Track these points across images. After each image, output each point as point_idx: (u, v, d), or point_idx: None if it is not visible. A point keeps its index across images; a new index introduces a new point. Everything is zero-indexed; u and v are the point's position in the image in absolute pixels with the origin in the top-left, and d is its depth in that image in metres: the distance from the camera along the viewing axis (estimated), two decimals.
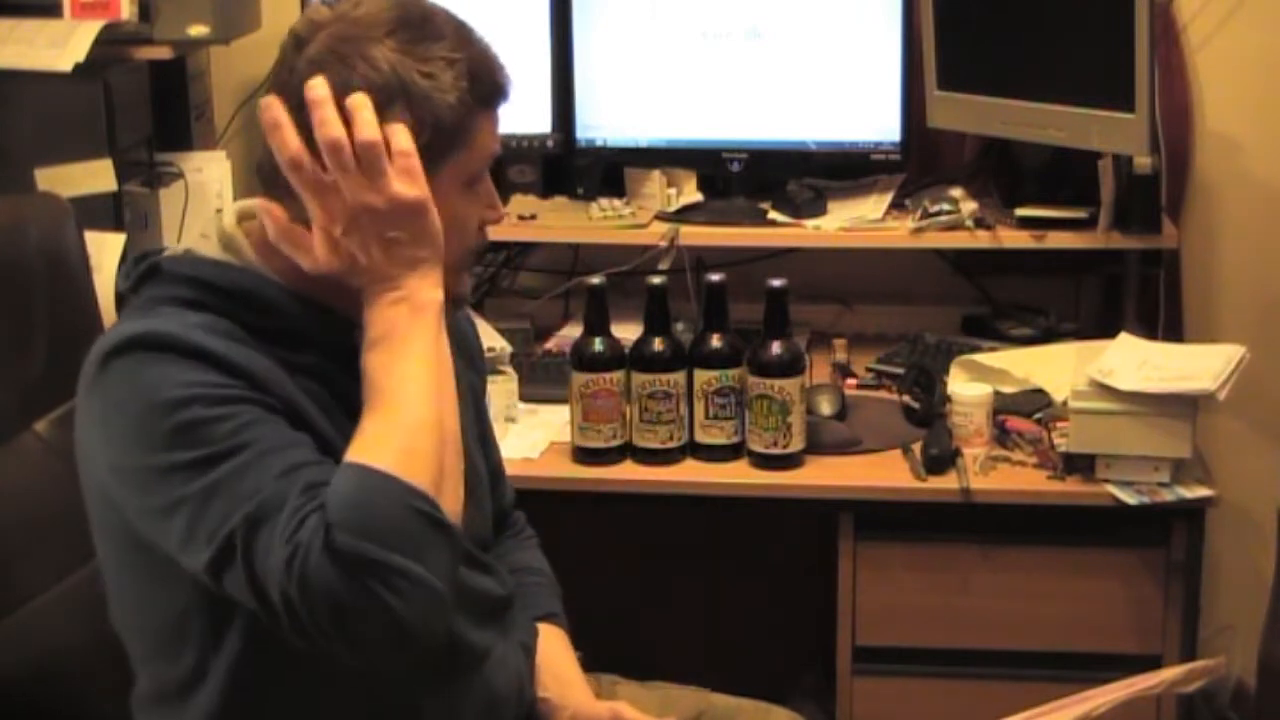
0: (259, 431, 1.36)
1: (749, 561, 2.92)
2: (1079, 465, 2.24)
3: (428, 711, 1.54)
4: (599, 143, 2.81)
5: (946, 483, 2.25)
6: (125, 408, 1.38)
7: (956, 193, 2.72)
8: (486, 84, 1.45)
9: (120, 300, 1.55)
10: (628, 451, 2.34)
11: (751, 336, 2.30)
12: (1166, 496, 2.19)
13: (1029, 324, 2.75)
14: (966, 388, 2.38)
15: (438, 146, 1.43)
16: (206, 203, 2.65)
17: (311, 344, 1.47)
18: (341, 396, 1.48)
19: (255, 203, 1.51)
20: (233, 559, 1.33)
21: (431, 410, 1.38)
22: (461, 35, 1.45)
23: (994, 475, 2.27)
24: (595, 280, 2.31)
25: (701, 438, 2.33)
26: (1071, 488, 2.23)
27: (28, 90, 2.39)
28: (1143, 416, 2.17)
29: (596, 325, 2.30)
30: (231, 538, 1.32)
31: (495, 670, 1.60)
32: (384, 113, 1.39)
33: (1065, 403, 2.26)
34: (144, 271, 1.49)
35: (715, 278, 2.30)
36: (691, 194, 2.79)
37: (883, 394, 2.58)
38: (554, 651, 1.75)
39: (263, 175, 1.47)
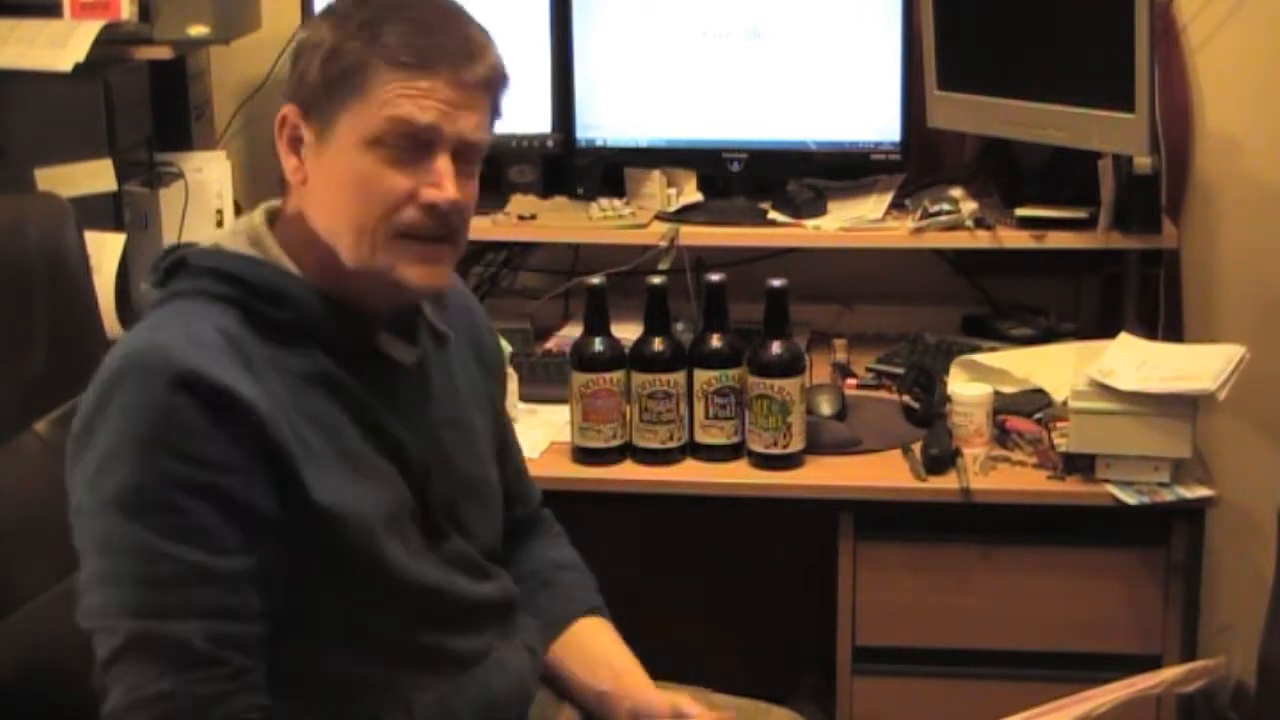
0: (196, 547, 1.36)
1: (749, 561, 2.92)
2: (1079, 465, 2.24)
3: (421, 712, 1.54)
4: (599, 143, 2.81)
5: (946, 483, 2.25)
6: (110, 436, 1.38)
7: (956, 193, 2.72)
8: (390, 39, 1.44)
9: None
10: (628, 451, 2.34)
11: (751, 336, 2.30)
12: (1166, 496, 2.19)
13: (1029, 324, 2.75)
14: (966, 388, 2.38)
15: (325, 96, 1.45)
16: (206, 203, 2.65)
17: (332, 346, 1.49)
18: (354, 407, 1.49)
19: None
20: (94, 650, 1.38)
21: None
22: (400, 3, 1.47)
23: (994, 475, 2.27)
24: (595, 280, 2.31)
25: (701, 438, 2.33)
26: (1071, 488, 2.23)
27: (28, 90, 2.39)
28: (1143, 416, 2.17)
29: (596, 325, 2.30)
30: (103, 640, 1.37)
31: (493, 672, 1.60)
32: (295, 67, 1.48)
33: (1065, 403, 2.26)
34: (171, 265, 1.51)
35: (715, 278, 2.30)
36: (691, 194, 2.78)
37: (883, 394, 2.58)
38: (605, 643, 1.75)
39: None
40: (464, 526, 1.61)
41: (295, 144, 1.50)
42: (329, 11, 1.50)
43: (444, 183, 1.46)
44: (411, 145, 1.46)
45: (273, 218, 1.54)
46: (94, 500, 1.38)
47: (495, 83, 1.50)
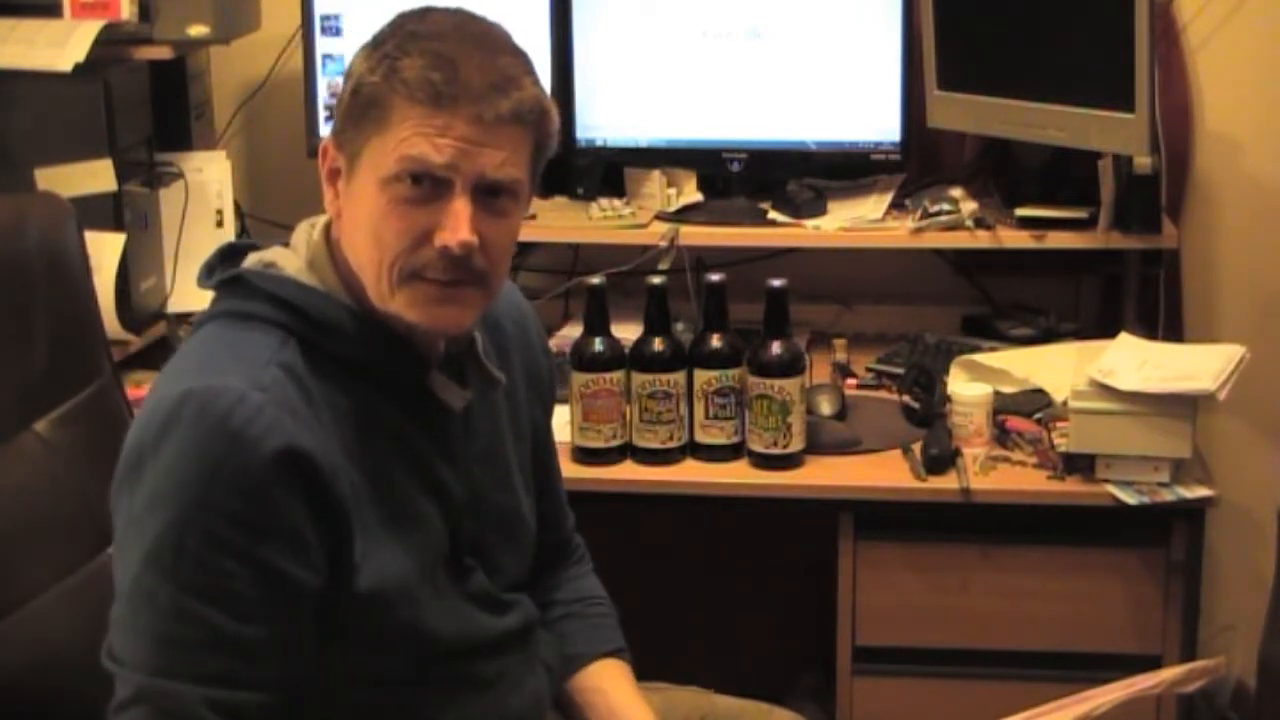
0: (222, 611, 1.34)
1: (749, 561, 2.92)
2: (1079, 465, 2.23)
3: None
4: (599, 143, 2.81)
5: (946, 483, 2.25)
6: (159, 478, 1.35)
7: (956, 193, 2.72)
8: (413, 78, 1.39)
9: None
10: (628, 451, 2.34)
11: (751, 336, 2.30)
12: (1166, 496, 2.19)
13: (1029, 324, 2.75)
14: (966, 388, 2.38)
15: (355, 116, 1.42)
16: (206, 203, 2.65)
17: (384, 383, 1.47)
18: (403, 448, 1.48)
19: None
20: (102, 692, 1.37)
21: None
22: (420, 25, 1.43)
23: (994, 475, 2.27)
24: (595, 280, 2.31)
25: (701, 438, 2.33)
26: (1071, 488, 2.23)
27: (28, 90, 2.39)
28: (1143, 416, 2.17)
29: (596, 325, 2.30)
30: (118, 686, 1.36)
31: (509, 692, 1.60)
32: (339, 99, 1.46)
33: (1065, 403, 2.26)
34: (227, 279, 1.48)
35: (715, 278, 2.30)
36: (691, 194, 2.78)
37: (883, 394, 2.58)
38: (623, 694, 1.71)
39: None
40: (489, 562, 1.59)
41: (334, 176, 1.47)
42: (371, 39, 1.46)
43: (458, 225, 1.40)
44: (429, 185, 1.40)
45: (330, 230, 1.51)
46: (134, 540, 1.36)
47: (528, 115, 1.43)
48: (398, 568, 1.45)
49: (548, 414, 1.77)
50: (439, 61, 1.39)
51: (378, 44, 1.44)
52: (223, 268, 1.50)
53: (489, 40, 1.44)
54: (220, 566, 1.34)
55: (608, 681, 1.72)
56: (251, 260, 1.50)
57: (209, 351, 1.44)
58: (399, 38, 1.43)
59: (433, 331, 1.48)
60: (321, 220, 1.52)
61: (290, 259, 1.49)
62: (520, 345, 1.69)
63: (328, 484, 1.38)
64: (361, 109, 1.42)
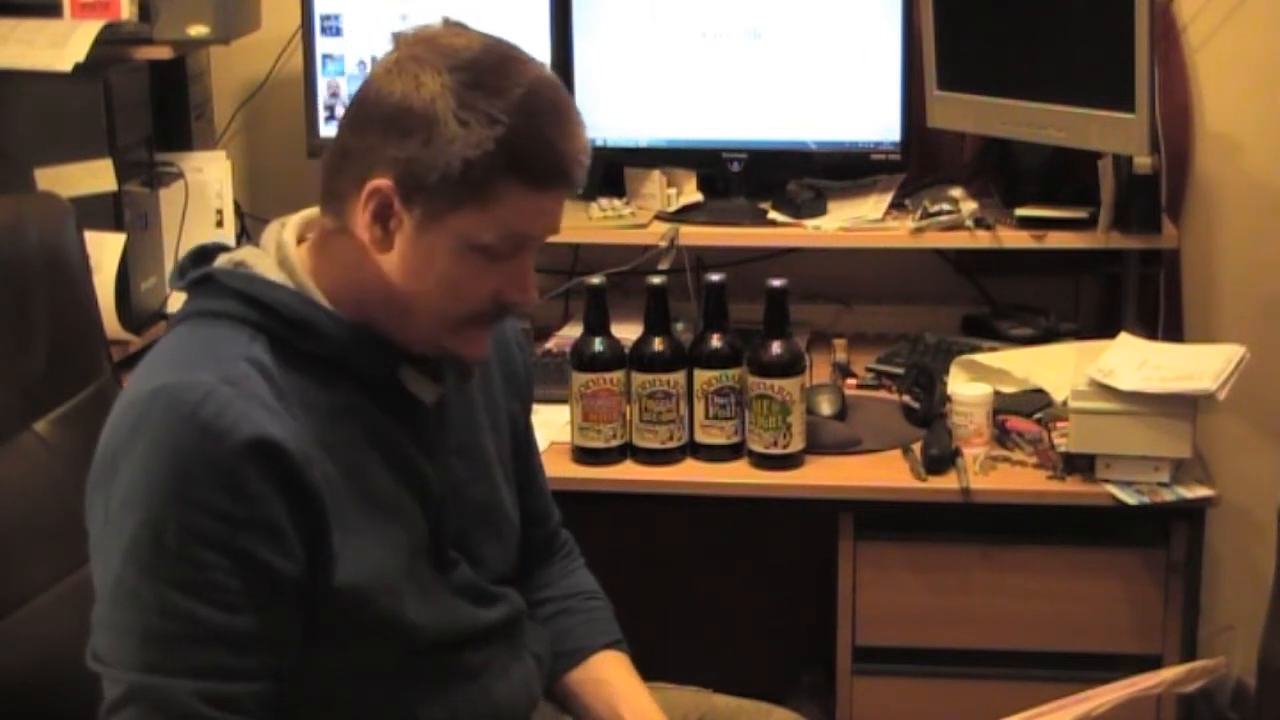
0: (207, 603, 1.34)
1: (749, 561, 2.92)
2: (1079, 465, 2.24)
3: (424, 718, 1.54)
4: (599, 143, 2.80)
5: (946, 483, 2.25)
6: (133, 475, 1.35)
7: (956, 193, 2.72)
8: (527, 159, 1.39)
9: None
10: (628, 451, 2.34)
11: (751, 336, 2.30)
12: (1166, 496, 2.19)
13: (1029, 324, 2.75)
14: (966, 388, 2.38)
15: (441, 196, 1.39)
16: (206, 203, 2.66)
17: (354, 378, 1.47)
18: (379, 441, 1.48)
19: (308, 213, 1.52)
20: (101, 691, 1.37)
21: None
22: (529, 101, 1.39)
23: (994, 475, 2.27)
24: (595, 280, 2.31)
25: (701, 438, 2.33)
26: (1071, 488, 2.23)
27: (28, 90, 2.39)
28: (1143, 416, 2.17)
29: (596, 325, 2.30)
30: (108, 686, 1.36)
31: (495, 681, 1.60)
32: (404, 140, 1.38)
33: (1065, 403, 2.26)
34: (197, 279, 1.48)
35: (715, 278, 2.30)
36: (691, 194, 2.79)
37: (883, 394, 2.58)
38: (625, 683, 1.72)
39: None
40: (473, 555, 1.60)
41: (383, 214, 1.42)
42: (449, 80, 1.38)
43: (528, 285, 1.47)
44: (512, 249, 1.44)
45: (303, 231, 1.51)
46: (112, 539, 1.36)
47: None
48: (377, 559, 1.46)
49: (526, 408, 1.77)
50: (551, 147, 1.40)
51: (468, 104, 1.37)
52: (194, 269, 1.50)
53: (572, 106, 1.45)
54: (200, 559, 1.34)
55: (609, 672, 1.72)
56: (222, 260, 1.50)
57: (179, 350, 1.45)
58: (505, 103, 1.38)
59: (474, 365, 1.55)
60: (292, 220, 1.52)
61: (260, 258, 1.49)
62: (496, 339, 1.69)
63: (301, 473, 1.38)
64: (462, 178, 1.38)
